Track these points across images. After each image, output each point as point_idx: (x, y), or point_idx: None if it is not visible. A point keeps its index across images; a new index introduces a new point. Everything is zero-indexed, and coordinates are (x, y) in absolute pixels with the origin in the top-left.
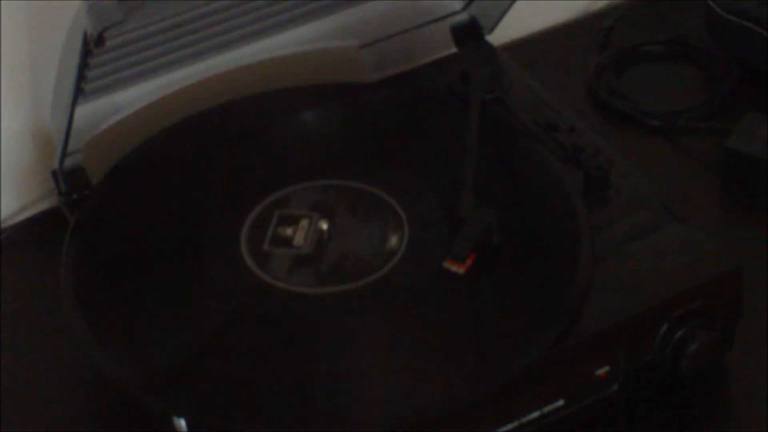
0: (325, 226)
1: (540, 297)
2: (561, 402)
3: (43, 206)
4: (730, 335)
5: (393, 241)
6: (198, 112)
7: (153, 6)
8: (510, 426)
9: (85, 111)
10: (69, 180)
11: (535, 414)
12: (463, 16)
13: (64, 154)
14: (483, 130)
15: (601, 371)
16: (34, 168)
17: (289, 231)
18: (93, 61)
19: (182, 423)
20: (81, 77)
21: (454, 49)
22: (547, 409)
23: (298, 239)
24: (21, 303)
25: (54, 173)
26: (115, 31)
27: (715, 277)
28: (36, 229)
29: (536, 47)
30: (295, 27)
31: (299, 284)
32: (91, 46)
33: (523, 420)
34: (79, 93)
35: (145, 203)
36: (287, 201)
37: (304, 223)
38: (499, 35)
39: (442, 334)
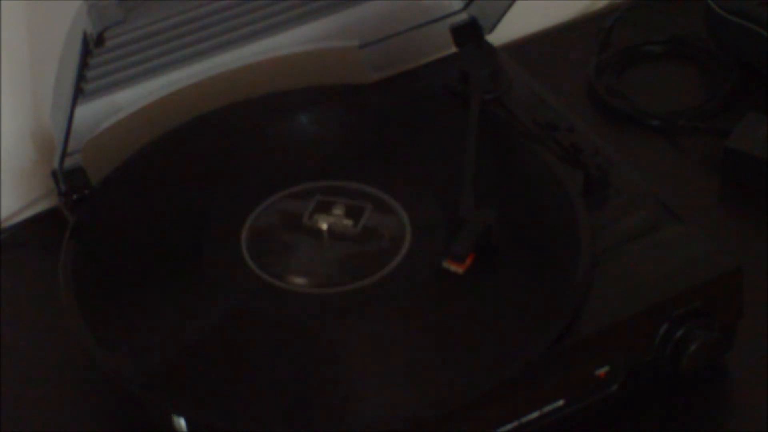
0: (325, 226)
1: (540, 297)
2: (561, 402)
3: (43, 206)
4: (730, 335)
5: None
6: (198, 114)
7: (153, 6)
8: (510, 426)
9: (85, 111)
10: (69, 180)
11: (535, 414)
12: (463, 16)
13: (64, 154)
14: (483, 130)
15: (601, 371)
16: (34, 168)
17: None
18: (93, 61)
19: (182, 422)
20: (81, 77)
21: (454, 49)
22: (547, 409)
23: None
24: (21, 303)
25: (54, 173)
26: (115, 31)
27: (715, 277)
28: (36, 229)
29: (536, 47)
30: (295, 27)
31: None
32: (91, 46)
33: (523, 420)
34: (79, 93)
35: (145, 203)
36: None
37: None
38: (499, 35)
39: (442, 334)
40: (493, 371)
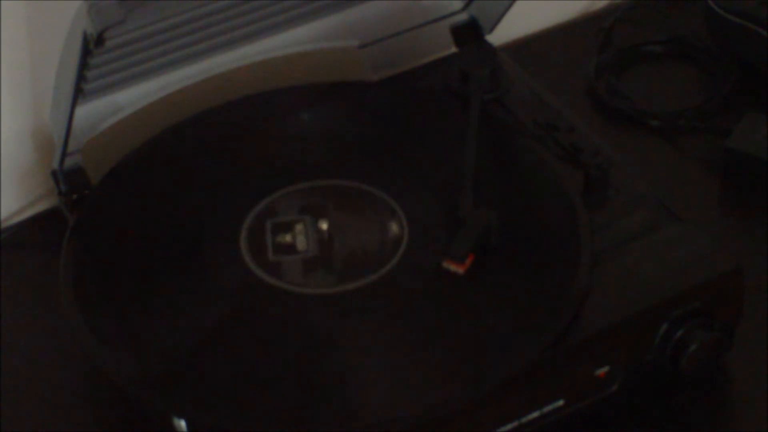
0: (325, 226)
1: (540, 297)
2: (561, 402)
3: (43, 206)
4: (730, 335)
5: (392, 241)
6: (198, 112)
7: (153, 6)
8: (510, 426)
9: (85, 111)
10: (69, 180)
11: (535, 414)
12: (463, 16)
13: (64, 154)
14: (483, 130)
15: (601, 371)
16: (34, 168)
17: (288, 238)
18: (93, 61)
19: (182, 424)
20: (81, 77)
21: (454, 49)
22: (547, 409)
23: (301, 244)
24: (21, 303)
25: (54, 173)
26: (115, 31)
27: (715, 277)
28: (36, 229)
29: (536, 47)
30: (295, 27)
31: (299, 284)
32: (91, 46)
33: (523, 420)
34: (79, 93)
35: (144, 203)
36: (287, 202)
37: (300, 227)
38: (499, 35)
39: (442, 334)
40: (493, 371)
